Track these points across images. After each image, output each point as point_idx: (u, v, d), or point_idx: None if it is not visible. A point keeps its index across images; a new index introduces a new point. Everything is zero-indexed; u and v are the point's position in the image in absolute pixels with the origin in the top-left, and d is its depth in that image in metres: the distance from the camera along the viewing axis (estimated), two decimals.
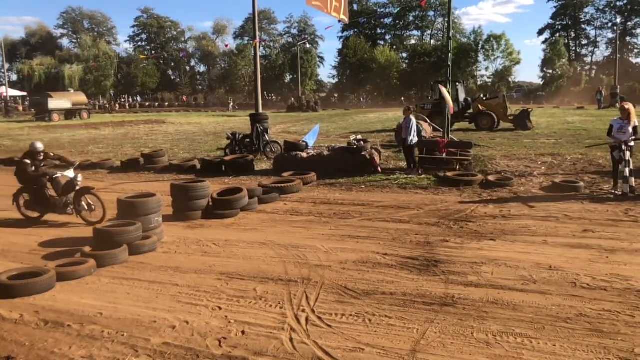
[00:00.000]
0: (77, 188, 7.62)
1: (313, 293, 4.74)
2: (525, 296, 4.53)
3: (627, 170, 8.38)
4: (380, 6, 69.69)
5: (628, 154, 8.39)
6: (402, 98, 59.89)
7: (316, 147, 13.10)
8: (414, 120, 11.35)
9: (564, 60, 60.44)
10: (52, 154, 8.10)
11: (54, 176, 7.71)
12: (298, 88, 55.57)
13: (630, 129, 8.37)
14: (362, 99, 66.52)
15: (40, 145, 7.84)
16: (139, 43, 76.50)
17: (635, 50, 64.18)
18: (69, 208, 7.69)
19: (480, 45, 61.23)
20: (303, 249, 6.12)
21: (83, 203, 7.60)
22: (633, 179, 8.46)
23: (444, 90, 13.58)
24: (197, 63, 78.17)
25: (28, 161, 7.66)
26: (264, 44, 68.03)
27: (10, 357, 3.69)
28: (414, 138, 11.14)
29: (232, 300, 4.63)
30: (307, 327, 4.05)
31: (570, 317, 4.08)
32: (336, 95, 69.15)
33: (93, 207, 7.63)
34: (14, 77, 67.54)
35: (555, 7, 66.14)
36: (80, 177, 7.72)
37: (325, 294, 4.71)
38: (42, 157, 7.85)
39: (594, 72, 64.45)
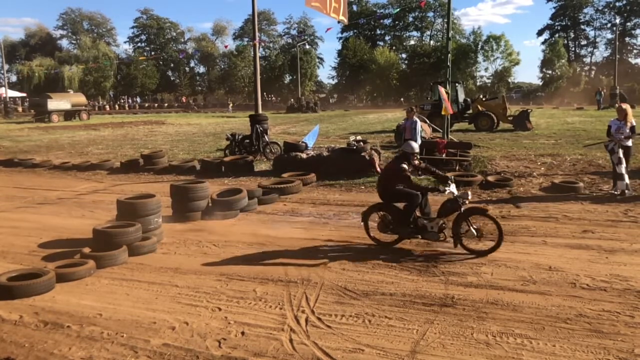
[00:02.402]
0: (463, 208, 5.81)
1: (313, 294, 4.74)
2: (524, 297, 4.53)
3: (622, 168, 8.41)
4: (380, 7, 69.85)
5: (621, 151, 8.42)
6: (402, 99, 59.88)
7: (316, 148, 13.09)
8: (419, 121, 11.31)
9: (563, 61, 60.43)
10: (417, 162, 6.30)
11: (445, 190, 5.87)
12: (297, 89, 55.53)
13: (627, 129, 8.43)
14: (363, 100, 66.47)
15: (416, 147, 6.24)
16: (139, 44, 76.37)
17: (635, 51, 64.34)
18: (443, 233, 5.93)
19: (479, 46, 61.25)
20: (303, 249, 6.12)
21: (471, 228, 5.76)
22: (627, 176, 8.48)
23: (442, 91, 13.57)
24: (197, 64, 78.12)
25: (406, 166, 5.97)
26: (263, 44, 68.05)
27: (9, 359, 3.69)
28: (419, 139, 11.12)
29: (232, 301, 4.63)
30: (307, 327, 4.05)
31: (570, 318, 4.09)
32: (335, 96, 69.12)
33: (482, 232, 5.86)
34: (14, 78, 67.48)
35: (554, 7, 66.22)
36: (469, 195, 5.91)
37: (325, 295, 4.71)
38: (417, 163, 6.23)
39: (593, 72, 64.49)
